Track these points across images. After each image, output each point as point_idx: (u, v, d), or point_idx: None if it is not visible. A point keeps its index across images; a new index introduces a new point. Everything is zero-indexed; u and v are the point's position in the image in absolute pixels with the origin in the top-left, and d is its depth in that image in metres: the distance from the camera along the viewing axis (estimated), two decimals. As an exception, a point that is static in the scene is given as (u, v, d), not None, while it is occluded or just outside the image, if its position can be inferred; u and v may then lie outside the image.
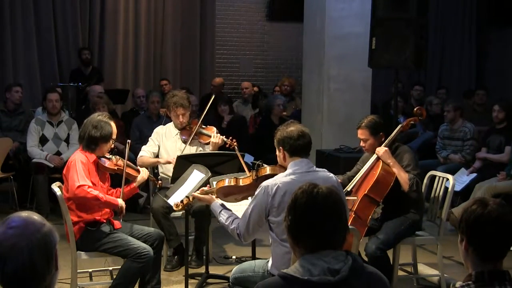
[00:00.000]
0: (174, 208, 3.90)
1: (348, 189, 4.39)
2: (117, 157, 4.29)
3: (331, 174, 3.48)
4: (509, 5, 10.29)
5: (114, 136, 4.18)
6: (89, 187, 3.96)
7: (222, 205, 3.60)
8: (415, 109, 4.77)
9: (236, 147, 4.80)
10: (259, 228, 3.37)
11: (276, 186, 3.25)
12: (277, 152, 3.48)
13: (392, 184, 4.25)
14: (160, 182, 4.68)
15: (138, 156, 5.24)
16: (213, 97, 5.70)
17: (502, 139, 6.65)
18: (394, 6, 5.91)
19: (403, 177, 4.26)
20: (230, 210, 3.55)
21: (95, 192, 3.97)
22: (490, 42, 11.33)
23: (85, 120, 4.25)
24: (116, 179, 4.43)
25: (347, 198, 4.13)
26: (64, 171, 4.13)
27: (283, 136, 3.41)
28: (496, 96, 8.45)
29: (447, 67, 11.35)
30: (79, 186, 3.93)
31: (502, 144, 6.64)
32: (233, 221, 3.44)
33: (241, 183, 3.59)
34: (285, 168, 3.42)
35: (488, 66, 11.32)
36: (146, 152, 5.22)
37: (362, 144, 4.51)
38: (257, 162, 3.65)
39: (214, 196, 3.65)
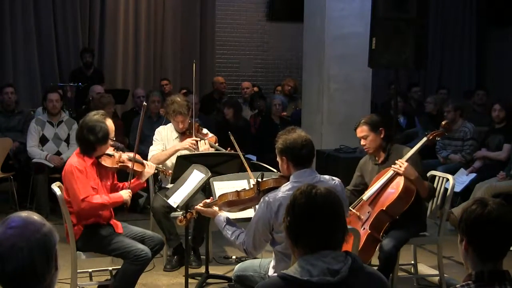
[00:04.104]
0: (178, 223, 3.87)
1: (364, 198, 4.27)
2: (120, 152, 4.24)
3: (337, 182, 3.34)
4: (509, 5, 10.30)
5: (112, 135, 4.11)
6: (92, 196, 3.94)
7: (226, 219, 3.50)
8: (442, 122, 4.53)
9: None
10: (265, 242, 3.29)
11: (278, 202, 3.14)
12: (279, 161, 3.34)
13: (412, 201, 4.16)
14: (170, 172, 4.55)
15: (150, 156, 5.14)
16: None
17: (501, 138, 6.65)
18: (394, 6, 5.91)
19: (424, 188, 4.18)
20: (235, 224, 3.47)
21: (99, 200, 3.95)
22: (490, 42, 11.33)
23: (80, 121, 4.18)
24: (121, 172, 4.38)
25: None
26: (63, 178, 4.09)
27: (285, 145, 3.26)
28: (496, 96, 8.45)
29: (447, 67, 11.35)
30: (83, 200, 3.91)
31: (501, 143, 6.64)
32: (238, 236, 3.36)
33: (243, 196, 3.46)
34: (287, 178, 3.31)
35: (488, 66, 11.32)
36: (156, 151, 5.20)
37: (362, 143, 4.37)
38: (257, 178, 3.45)
39: (217, 209, 3.56)
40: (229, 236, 3.40)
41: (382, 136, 4.36)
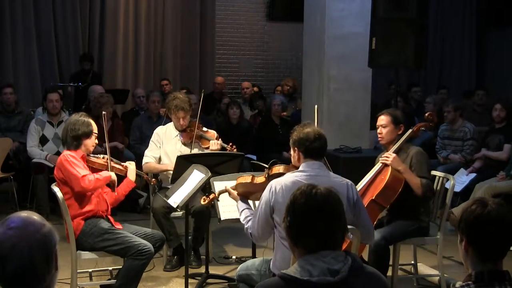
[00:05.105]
0: (202, 202, 3.87)
1: None
2: (105, 156, 4.36)
3: (345, 181, 3.39)
4: (509, 5, 10.29)
5: (95, 131, 4.23)
6: (89, 174, 4.08)
7: (247, 203, 3.61)
8: (426, 114, 4.62)
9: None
10: (270, 229, 3.33)
11: (280, 186, 3.25)
12: (292, 152, 3.47)
13: (400, 190, 4.17)
14: (154, 180, 4.72)
15: (143, 163, 5.19)
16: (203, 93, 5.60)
17: (501, 138, 6.66)
18: (394, 6, 5.93)
19: (415, 183, 4.18)
20: (252, 210, 3.54)
21: (96, 176, 4.11)
22: (490, 42, 11.33)
23: (65, 124, 4.33)
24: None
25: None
26: (55, 173, 4.14)
27: (299, 137, 3.40)
28: (496, 96, 8.45)
29: (447, 67, 11.35)
30: (83, 177, 4.01)
31: (501, 142, 6.64)
32: (249, 221, 3.44)
33: (256, 181, 3.59)
34: (297, 168, 3.41)
35: (488, 66, 11.32)
36: (150, 158, 5.21)
37: (379, 131, 4.40)
38: (272, 161, 3.62)
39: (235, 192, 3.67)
40: (242, 220, 3.50)
41: (399, 132, 4.39)
